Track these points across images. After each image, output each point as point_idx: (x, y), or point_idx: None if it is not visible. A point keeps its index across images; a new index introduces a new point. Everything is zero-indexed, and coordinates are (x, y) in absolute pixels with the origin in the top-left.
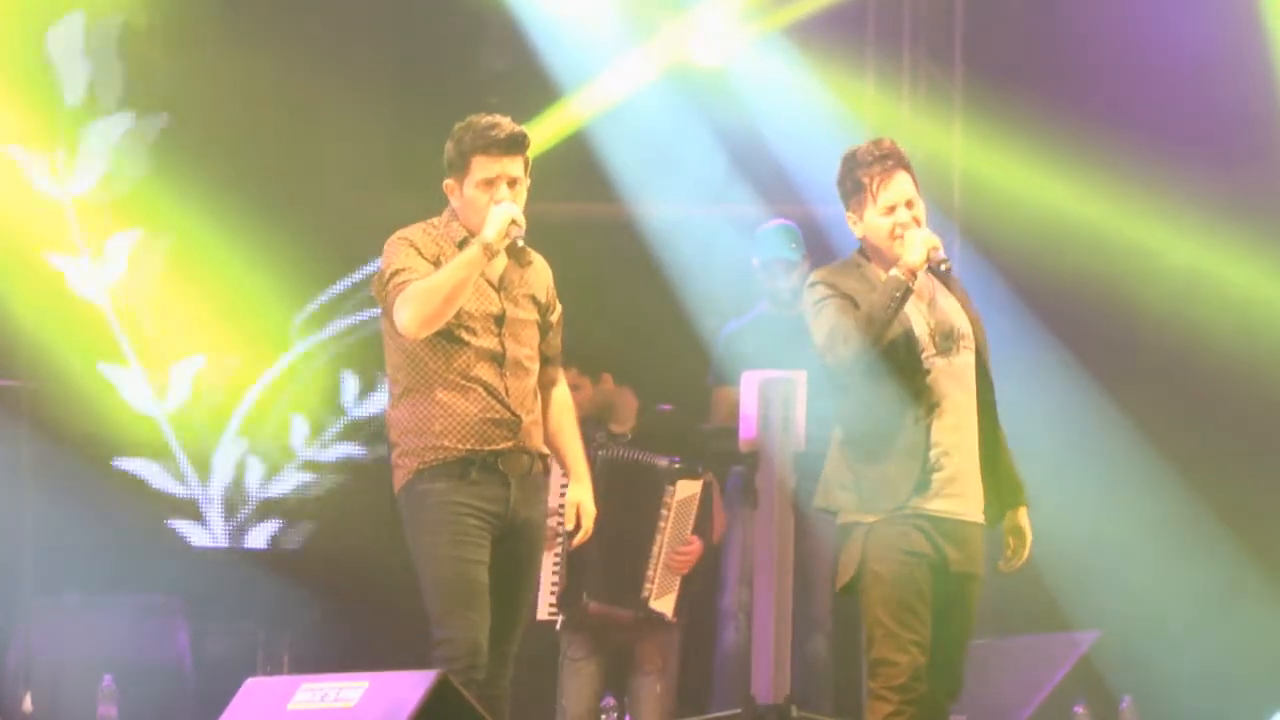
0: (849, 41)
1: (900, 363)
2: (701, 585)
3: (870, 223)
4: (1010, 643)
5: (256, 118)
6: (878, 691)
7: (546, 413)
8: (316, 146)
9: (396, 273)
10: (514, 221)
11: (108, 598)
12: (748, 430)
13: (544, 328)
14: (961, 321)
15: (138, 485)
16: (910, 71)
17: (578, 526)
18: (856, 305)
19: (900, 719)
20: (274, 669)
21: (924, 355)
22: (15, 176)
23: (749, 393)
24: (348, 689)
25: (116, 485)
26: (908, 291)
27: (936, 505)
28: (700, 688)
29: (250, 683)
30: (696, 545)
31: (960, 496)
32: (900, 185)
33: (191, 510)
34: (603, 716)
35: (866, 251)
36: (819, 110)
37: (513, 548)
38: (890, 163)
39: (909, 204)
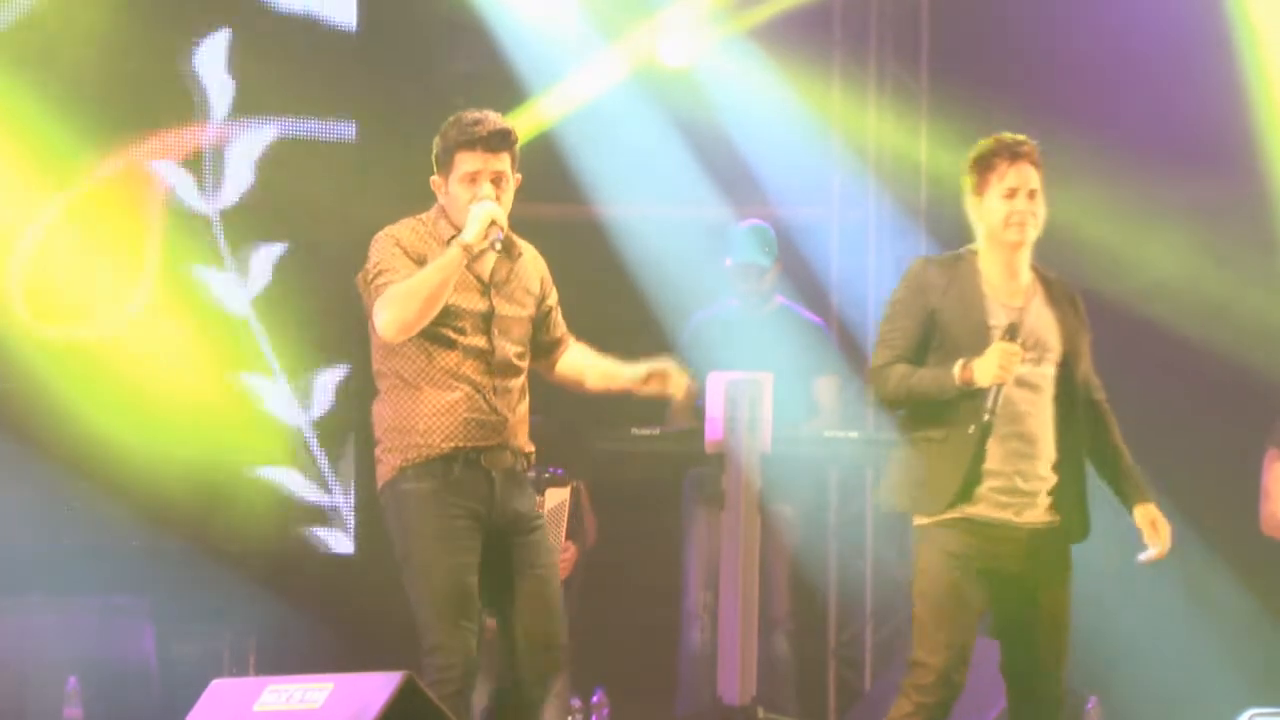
0: (815, 44)
1: None
2: (581, 588)
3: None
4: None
5: None
6: (904, 688)
7: (570, 366)
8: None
9: (379, 273)
10: (494, 221)
11: (73, 599)
12: (714, 432)
13: (541, 318)
14: (1049, 334)
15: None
16: (876, 74)
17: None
18: (921, 337)
19: (915, 717)
20: (240, 670)
21: None
22: (163, 191)
23: (715, 394)
24: (313, 691)
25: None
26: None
27: (984, 510)
28: (665, 690)
29: (216, 684)
30: (572, 551)
31: (1015, 505)
32: (1027, 173)
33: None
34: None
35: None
36: (785, 112)
37: (511, 542)
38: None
39: (1031, 194)
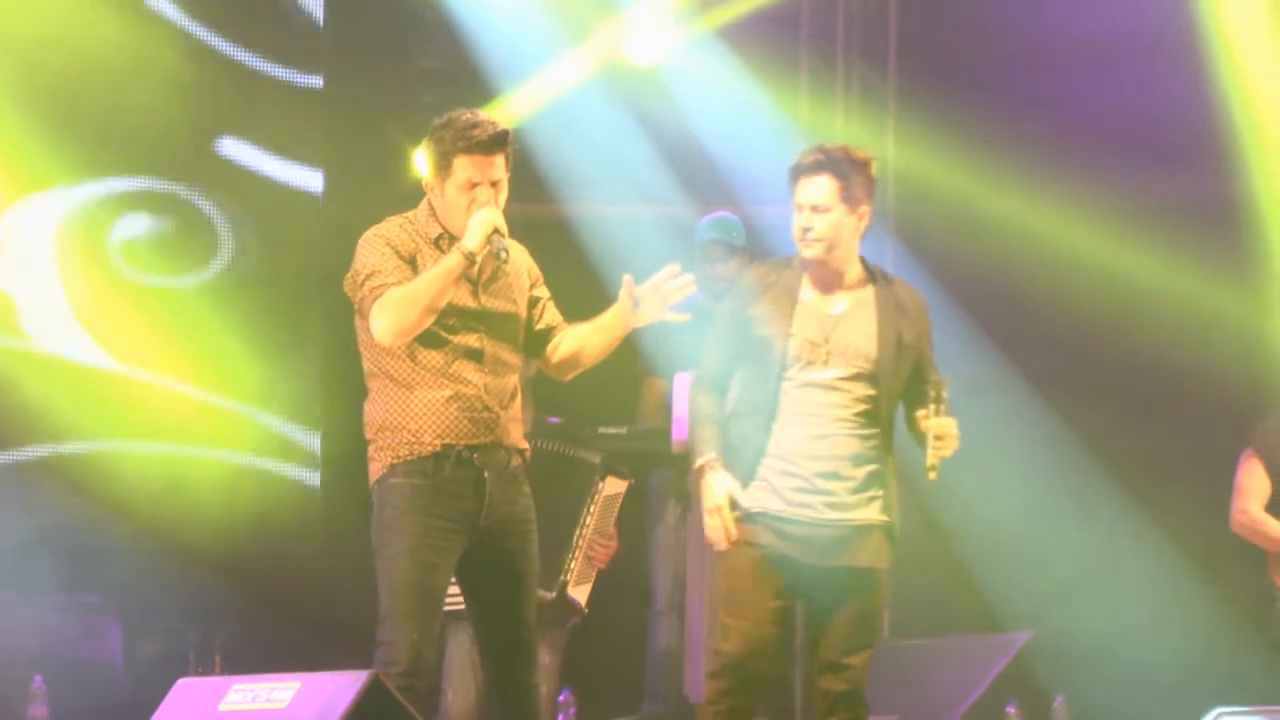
0: (783, 43)
1: (760, 373)
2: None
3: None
4: (943, 643)
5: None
6: (707, 676)
7: (565, 349)
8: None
9: (371, 275)
10: (496, 230)
11: (39, 597)
12: (680, 431)
13: (531, 309)
14: (861, 340)
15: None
16: (844, 73)
17: None
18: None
19: (715, 705)
20: (206, 669)
21: (790, 367)
22: None
23: (681, 393)
24: (279, 690)
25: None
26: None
27: (780, 506)
28: (631, 688)
29: (182, 683)
30: (615, 542)
31: (812, 503)
32: (811, 189)
33: None
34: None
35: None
36: (753, 111)
37: (498, 545)
38: (816, 160)
39: (815, 209)
